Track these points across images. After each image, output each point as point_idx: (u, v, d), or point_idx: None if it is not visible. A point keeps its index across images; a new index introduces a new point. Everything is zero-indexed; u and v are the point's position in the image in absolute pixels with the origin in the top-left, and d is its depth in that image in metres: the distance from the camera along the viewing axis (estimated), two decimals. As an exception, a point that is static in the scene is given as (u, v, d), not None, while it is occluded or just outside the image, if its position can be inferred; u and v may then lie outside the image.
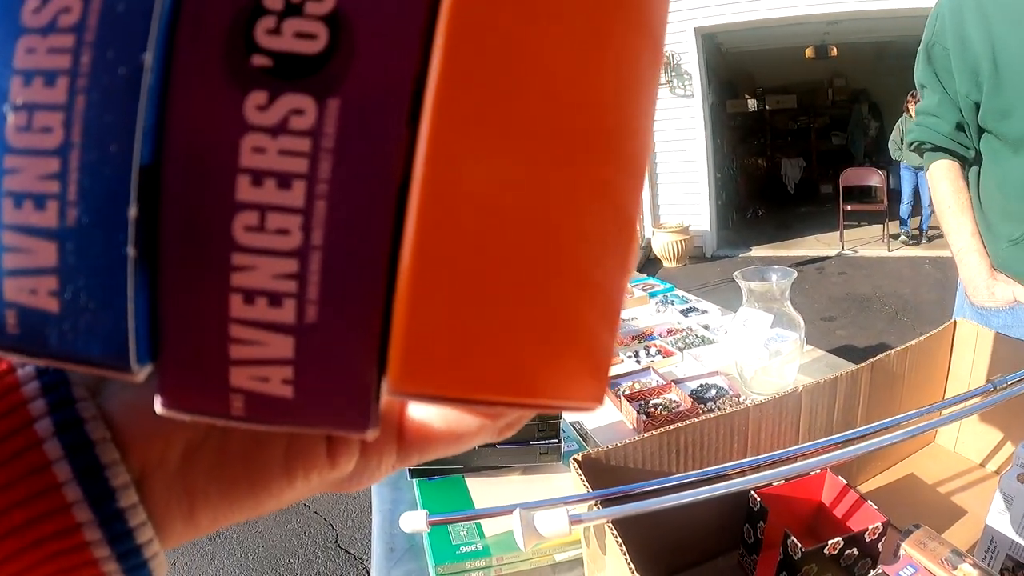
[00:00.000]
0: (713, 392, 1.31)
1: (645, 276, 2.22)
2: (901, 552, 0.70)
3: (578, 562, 0.87)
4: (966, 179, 1.40)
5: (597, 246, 0.18)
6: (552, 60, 0.16)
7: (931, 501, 0.97)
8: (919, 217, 6.84)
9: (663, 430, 0.77)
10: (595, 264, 0.18)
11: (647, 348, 1.57)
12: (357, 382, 0.17)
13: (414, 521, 0.72)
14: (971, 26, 1.23)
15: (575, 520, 0.62)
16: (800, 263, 6.50)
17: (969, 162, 1.39)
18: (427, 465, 1.01)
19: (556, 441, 1.02)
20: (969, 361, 1.04)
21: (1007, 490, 0.76)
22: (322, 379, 0.17)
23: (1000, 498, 0.76)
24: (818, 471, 0.83)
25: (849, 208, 6.99)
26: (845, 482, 0.83)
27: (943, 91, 1.35)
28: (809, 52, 8.77)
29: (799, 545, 0.70)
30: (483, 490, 1.01)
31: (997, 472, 1.01)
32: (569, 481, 0.78)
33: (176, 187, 0.16)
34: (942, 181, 1.41)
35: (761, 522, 0.79)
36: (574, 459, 0.72)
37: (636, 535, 0.66)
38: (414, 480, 1.05)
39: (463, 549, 0.88)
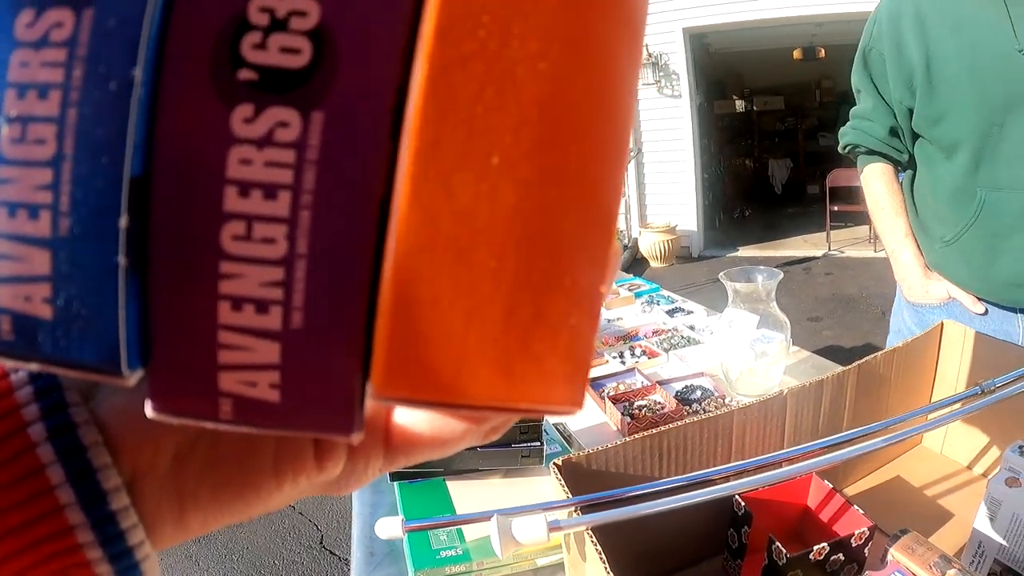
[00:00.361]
0: (698, 393, 1.30)
1: (631, 276, 2.21)
2: (888, 557, 0.69)
3: (560, 566, 0.85)
4: (900, 182, 1.44)
5: (577, 251, 0.18)
6: (532, 70, 0.17)
7: (918, 504, 0.96)
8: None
9: (646, 433, 0.75)
10: (575, 268, 0.18)
11: (632, 349, 1.56)
12: (342, 387, 0.18)
13: (390, 528, 0.70)
14: (908, 32, 1.24)
15: (553, 527, 0.60)
16: (787, 263, 6.52)
17: (903, 165, 1.43)
18: (408, 468, 1.00)
19: (538, 444, 1.00)
20: (956, 363, 1.03)
21: (995, 494, 0.75)
22: (308, 383, 0.18)
23: (988, 502, 0.75)
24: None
25: (836, 209, 7.01)
26: (831, 486, 0.81)
27: (878, 96, 1.38)
28: (797, 53, 8.80)
29: (784, 551, 0.69)
30: (464, 493, 1.00)
31: (984, 475, 1.00)
32: (550, 484, 0.76)
33: (165, 197, 0.17)
34: (876, 183, 1.45)
35: (746, 527, 0.78)
36: (554, 463, 0.71)
37: (618, 540, 0.65)
38: (395, 483, 1.03)
39: (443, 554, 0.86)
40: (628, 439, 0.75)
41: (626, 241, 7.30)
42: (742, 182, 10.18)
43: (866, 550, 0.74)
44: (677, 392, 1.31)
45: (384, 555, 0.92)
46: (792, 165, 10.36)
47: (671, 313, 1.81)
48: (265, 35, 0.16)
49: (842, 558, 0.73)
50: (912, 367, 1.02)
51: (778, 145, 10.63)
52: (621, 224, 7.49)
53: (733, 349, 1.23)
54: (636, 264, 6.98)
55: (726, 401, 1.26)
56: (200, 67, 0.16)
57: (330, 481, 0.25)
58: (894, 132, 1.39)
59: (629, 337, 1.66)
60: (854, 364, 0.92)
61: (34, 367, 0.17)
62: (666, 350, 1.54)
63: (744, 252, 7.38)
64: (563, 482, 0.68)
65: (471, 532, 0.89)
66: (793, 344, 1.34)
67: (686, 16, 6.59)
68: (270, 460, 0.24)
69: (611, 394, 1.29)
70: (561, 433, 1.18)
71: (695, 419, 0.78)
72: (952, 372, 1.04)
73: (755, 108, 10.56)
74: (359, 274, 0.17)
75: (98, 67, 0.16)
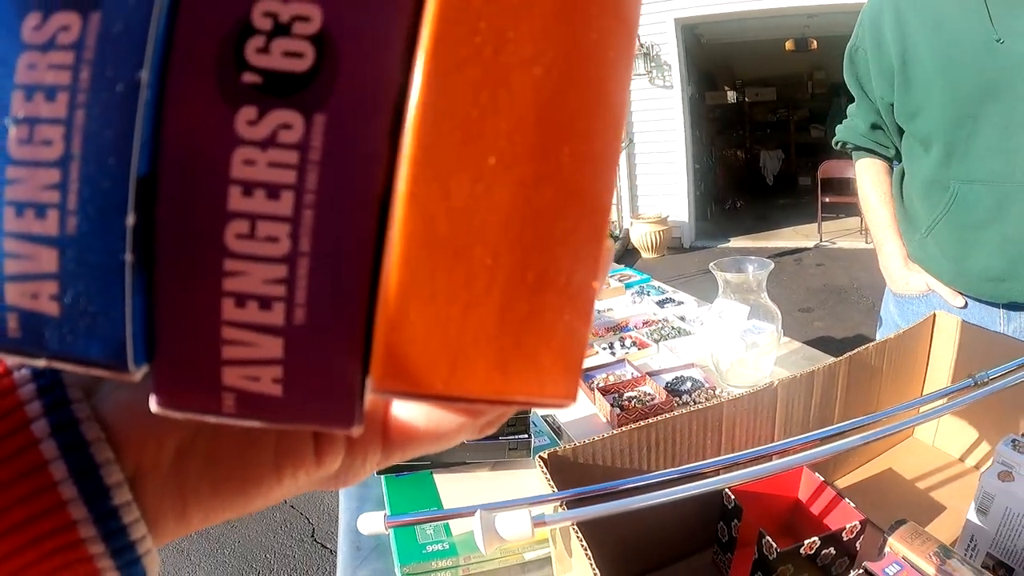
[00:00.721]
0: (688, 384, 1.29)
1: (622, 267, 2.20)
2: (887, 549, 0.68)
3: (547, 561, 0.84)
4: (892, 175, 1.47)
5: (571, 249, 0.19)
6: (527, 74, 0.17)
7: (910, 497, 0.95)
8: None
9: (634, 426, 0.74)
10: (569, 266, 0.19)
11: (622, 340, 1.55)
12: (343, 381, 0.18)
13: (372, 523, 0.68)
14: (887, 28, 1.26)
15: (538, 522, 0.59)
16: (778, 254, 6.52)
17: (892, 159, 1.47)
18: (394, 461, 0.99)
19: (525, 436, 0.99)
20: (948, 354, 1.02)
21: (988, 488, 0.74)
22: (310, 378, 0.18)
23: (981, 496, 0.74)
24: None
25: (827, 200, 7.00)
26: (822, 479, 0.80)
27: (862, 93, 1.42)
28: (789, 45, 8.78)
29: (774, 545, 0.68)
30: (451, 487, 0.98)
31: (976, 467, 1.00)
32: (539, 478, 0.75)
33: (171, 197, 0.17)
34: (863, 176, 1.50)
35: (736, 520, 0.77)
36: (540, 457, 0.69)
37: (606, 533, 0.64)
38: (381, 477, 1.02)
39: (430, 548, 0.85)
40: (616, 432, 0.73)
41: (617, 232, 7.29)
42: (733, 173, 10.17)
43: (858, 544, 0.73)
44: (667, 383, 1.30)
45: (371, 549, 0.91)
46: (784, 156, 10.37)
47: (661, 304, 1.80)
48: (268, 39, 0.16)
49: (833, 552, 0.72)
50: (904, 358, 1.01)
51: (770, 136, 10.63)
52: (612, 215, 7.48)
53: (724, 340, 1.22)
54: (627, 255, 6.97)
55: (716, 392, 1.25)
56: (205, 70, 0.17)
57: (329, 476, 0.26)
58: (876, 127, 1.42)
59: (619, 328, 1.65)
60: (845, 355, 0.91)
61: (41, 363, 0.18)
62: (656, 341, 1.53)
63: (735, 243, 7.38)
64: (549, 476, 0.66)
65: (458, 526, 0.88)
66: (784, 335, 1.33)
67: (678, 7, 6.56)
68: (270, 455, 0.24)
69: (601, 385, 1.28)
70: (550, 425, 1.17)
71: (684, 411, 0.77)
72: (944, 363, 1.03)
73: (747, 99, 10.56)
74: (360, 271, 0.17)
75: (105, 70, 0.16)
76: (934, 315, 1.04)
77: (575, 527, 0.59)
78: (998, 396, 0.77)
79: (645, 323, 1.66)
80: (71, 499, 0.20)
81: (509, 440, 0.99)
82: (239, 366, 0.18)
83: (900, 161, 1.42)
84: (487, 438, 0.98)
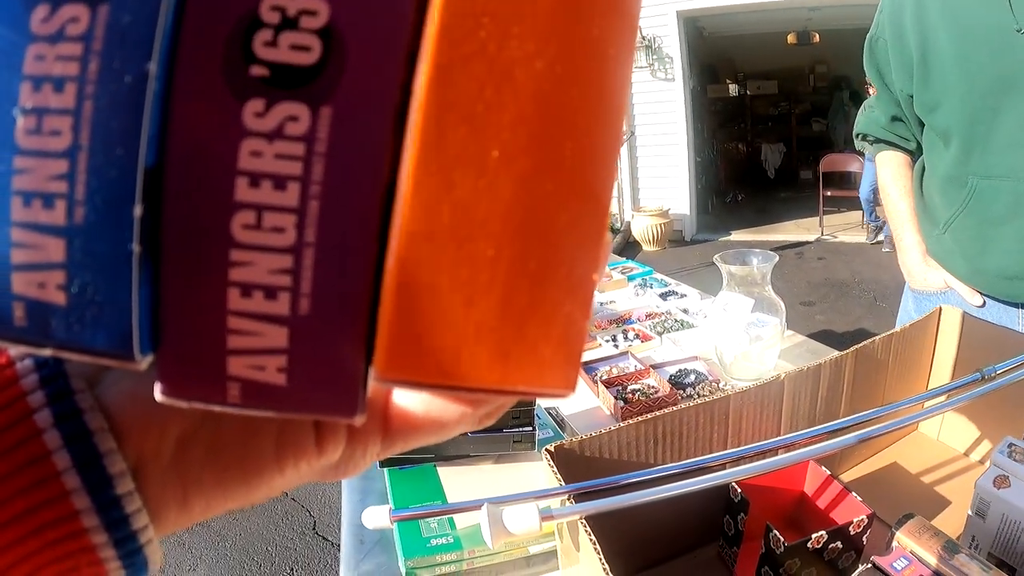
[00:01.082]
0: (692, 377, 1.29)
1: (624, 259, 2.19)
2: (894, 543, 0.68)
3: (553, 554, 0.84)
4: (914, 168, 1.43)
5: (572, 241, 0.19)
6: (530, 69, 0.17)
7: (915, 491, 0.95)
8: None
9: (641, 419, 0.74)
10: (569, 258, 0.19)
11: (625, 332, 1.54)
12: (346, 370, 0.18)
13: (377, 517, 0.68)
14: (908, 18, 1.22)
15: (546, 516, 0.58)
16: (779, 248, 6.50)
17: (914, 152, 1.43)
18: (398, 454, 0.98)
19: (530, 429, 0.99)
20: (954, 348, 1.02)
21: (984, 495, 0.73)
22: (314, 367, 0.18)
23: (977, 503, 0.74)
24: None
25: (829, 194, 6.98)
26: (828, 472, 0.80)
27: (882, 84, 1.37)
28: (791, 38, 8.76)
29: (782, 539, 0.68)
30: (455, 480, 0.98)
31: (981, 462, 0.99)
32: (543, 471, 0.74)
33: (178, 187, 0.17)
34: (883, 168, 1.46)
35: (742, 514, 0.76)
36: (546, 450, 0.69)
37: (611, 526, 0.63)
38: (384, 470, 1.01)
39: (434, 542, 0.85)
40: (622, 424, 0.73)
41: (618, 224, 7.28)
42: (735, 166, 10.15)
43: (864, 538, 0.73)
44: (671, 376, 1.30)
45: (374, 543, 0.91)
46: (785, 150, 10.34)
47: (664, 296, 1.80)
48: (276, 33, 0.17)
49: (840, 546, 0.71)
50: (910, 352, 1.00)
51: (771, 130, 10.61)
52: (614, 207, 7.47)
53: (728, 333, 1.22)
54: (628, 247, 6.96)
55: (720, 385, 1.25)
56: (213, 62, 0.17)
57: (330, 466, 0.26)
58: (897, 120, 1.37)
59: (622, 320, 1.64)
60: (852, 348, 0.90)
61: (47, 353, 0.18)
62: (659, 333, 1.52)
63: (737, 236, 7.36)
64: (555, 469, 0.66)
65: (462, 520, 0.87)
66: (787, 329, 1.32)
67: (680, -1, 6.54)
68: (272, 445, 0.24)
69: (604, 378, 1.28)
70: (553, 417, 1.16)
71: (691, 404, 0.77)
72: (950, 357, 1.03)
73: (748, 92, 10.53)
74: (364, 262, 0.18)
75: (113, 61, 0.17)
76: (939, 309, 1.03)
77: (583, 521, 0.59)
78: (1003, 391, 0.76)
79: (648, 316, 1.65)
80: (74, 489, 0.20)
81: (514, 433, 0.98)
82: (244, 355, 0.18)
83: (921, 154, 1.38)
84: (491, 430, 0.98)
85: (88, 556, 0.21)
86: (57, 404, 0.21)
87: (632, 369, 1.33)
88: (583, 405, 1.25)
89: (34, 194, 0.17)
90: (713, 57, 9.70)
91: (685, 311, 1.67)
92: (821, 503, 0.80)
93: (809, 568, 0.70)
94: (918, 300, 1.40)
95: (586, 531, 0.58)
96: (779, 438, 0.74)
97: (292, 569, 2.50)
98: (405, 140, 0.17)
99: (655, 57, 6.79)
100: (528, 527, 0.58)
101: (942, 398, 0.80)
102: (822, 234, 7.05)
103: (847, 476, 0.98)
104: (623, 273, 1.99)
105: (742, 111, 10.68)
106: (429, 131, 0.17)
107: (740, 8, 6.63)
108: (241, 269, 0.17)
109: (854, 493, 0.75)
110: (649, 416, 0.74)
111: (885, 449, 1.04)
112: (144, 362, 0.18)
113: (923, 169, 1.37)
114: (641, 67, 6.77)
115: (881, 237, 6.40)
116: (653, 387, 1.25)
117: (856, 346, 0.91)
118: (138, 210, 0.17)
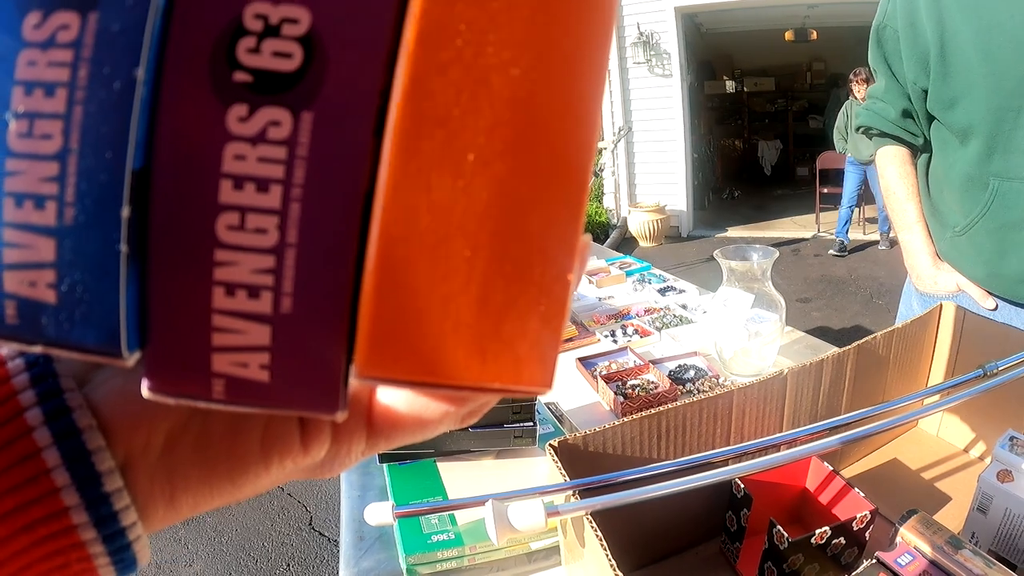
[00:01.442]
0: (691, 373, 1.28)
1: (622, 255, 2.19)
2: (898, 539, 0.68)
3: (555, 550, 0.83)
4: (916, 165, 1.37)
5: (547, 242, 0.19)
6: (505, 76, 0.18)
7: (915, 487, 0.95)
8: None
9: (644, 414, 0.73)
10: (545, 259, 0.20)
11: (624, 327, 1.54)
12: (327, 367, 0.19)
13: (380, 513, 0.67)
14: (923, 9, 1.17)
15: (552, 512, 0.58)
16: (776, 244, 6.48)
17: (919, 149, 1.36)
18: (398, 449, 0.98)
19: (531, 424, 0.98)
20: (955, 345, 1.02)
21: (986, 489, 0.73)
22: (296, 364, 0.19)
23: (980, 497, 0.74)
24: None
25: (825, 191, 7.00)
26: (831, 468, 0.80)
27: (891, 75, 1.30)
28: (789, 35, 8.76)
29: (785, 535, 0.67)
30: (455, 475, 0.98)
31: (980, 459, 0.99)
32: (545, 465, 0.74)
33: (165, 190, 0.18)
34: (888, 166, 1.39)
35: (745, 509, 0.76)
36: (550, 445, 0.68)
37: (614, 522, 0.63)
38: (384, 465, 1.01)
39: (435, 538, 0.84)
40: (625, 420, 0.72)
41: (615, 220, 7.28)
42: (731, 163, 10.18)
43: (867, 533, 0.73)
44: (670, 371, 1.30)
45: (374, 539, 0.90)
46: (782, 147, 10.37)
47: (663, 292, 1.79)
48: (259, 40, 0.17)
49: (843, 542, 0.71)
50: (911, 348, 1.00)
51: (768, 126, 10.64)
52: (611, 203, 7.48)
53: (727, 328, 1.21)
54: (625, 243, 6.96)
55: (720, 381, 1.24)
56: (199, 69, 0.17)
57: (315, 464, 0.26)
58: (907, 114, 1.32)
59: (621, 316, 1.64)
60: (853, 344, 0.90)
61: (37, 350, 0.18)
62: (658, 329, 1.52)
63: (733, 233, 7.37)
64: (560, 464, 0.66)
65: (463, 516, 0.87)
66: (786, 324, 1.32)
67: (678, -5, 6.54)
68: (258, 443, 0.24)
69: (603, 373, 1.27)
70: (553, 412, 1.16)
71: (694, 399, 0.76)
72: (950, 354, 1.02)
73: (745, 89, 10.55)
74: (344, 262, 0.18)
75: (103, 67, 0.17)
76: (940, 305, 1.03)
77: (589, 516, 0.58)
78: (1000, 388, 0.76)
79: (647, 311, 1.65)
80: (64, 486, 0.21)
81: (515, 428, 0.98)
82: (228, 352, 0.19)
83: (926, 151, 1.33)
84: (492, 426, 0.98)
85: (77, 552, 0.21)
86: (47, 403, 0.21)
87: (632, 364, 1.32)
88: (583, 400, 1.25)
89: (26, 195, 0.17)
90: (710, 53, 9.71)
91: (684, 307, 1.66)
92: (823, 499, 0.80)
93: (812, 563, 0.70)
94: (926, 303, 1.34)
95: (592, 527, 0.57)
96: (782, 434, 0.74)
97: (288, 565, 2.50)
98: (384, 144, 0.18)
99: (652, 53, 6.78)
100: (533, 523, 0.58)
101: (943, 394, 0.80)
102: (819, 231, 7.07)
103: (847, 472, 0.97)
104: (621, 268, 1.99)
105: (739, 108, 10.70)
106: (407, 135, 0.18)
107: (738, 4, 6.64)
108: (225, 269, 0.18)
109: (857, 488, 0.75)
110: (652, 412, 0.74)
111: (885, 446, 1.04)
112: (132, 359, 0.18)
113: (927, 167, 1.33)
114: (639, 63, 6.77)
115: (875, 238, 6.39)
116: (653, 383, 1.25)
117: (858, 342, 0.90)
118: (126, 211, 0.17)
